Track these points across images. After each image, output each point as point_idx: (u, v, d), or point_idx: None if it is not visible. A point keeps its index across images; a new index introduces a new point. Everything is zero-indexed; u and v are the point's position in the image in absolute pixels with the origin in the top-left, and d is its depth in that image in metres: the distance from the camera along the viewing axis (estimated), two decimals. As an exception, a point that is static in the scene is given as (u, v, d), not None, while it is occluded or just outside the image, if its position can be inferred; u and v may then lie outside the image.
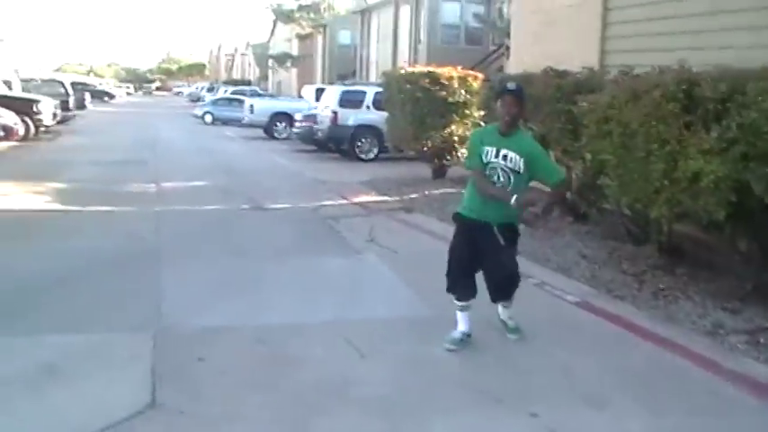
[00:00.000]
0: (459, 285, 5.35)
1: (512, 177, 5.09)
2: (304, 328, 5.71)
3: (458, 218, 5.41)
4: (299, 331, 5.63)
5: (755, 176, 5.39)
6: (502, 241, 5.15)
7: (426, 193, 13.11)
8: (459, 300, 5.38)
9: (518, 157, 5.08)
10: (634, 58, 8.80)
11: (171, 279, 7.03)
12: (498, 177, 5.11)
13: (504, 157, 5.09)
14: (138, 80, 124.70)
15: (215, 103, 39.24)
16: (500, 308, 5.54)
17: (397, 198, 12.78)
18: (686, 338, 5.64)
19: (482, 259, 5.26)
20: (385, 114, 16.79)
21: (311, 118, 21.64)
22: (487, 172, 5.13)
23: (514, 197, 4.96)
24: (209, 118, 36.85)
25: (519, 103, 5.13)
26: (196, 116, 39.06)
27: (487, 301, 5.45)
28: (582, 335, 5.78)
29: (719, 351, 5.39)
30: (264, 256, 8.23)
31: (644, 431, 4.14)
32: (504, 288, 5.36)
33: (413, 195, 12.91)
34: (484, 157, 5.14)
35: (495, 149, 5.11)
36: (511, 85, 5.24)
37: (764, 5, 7.45)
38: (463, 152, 12.33)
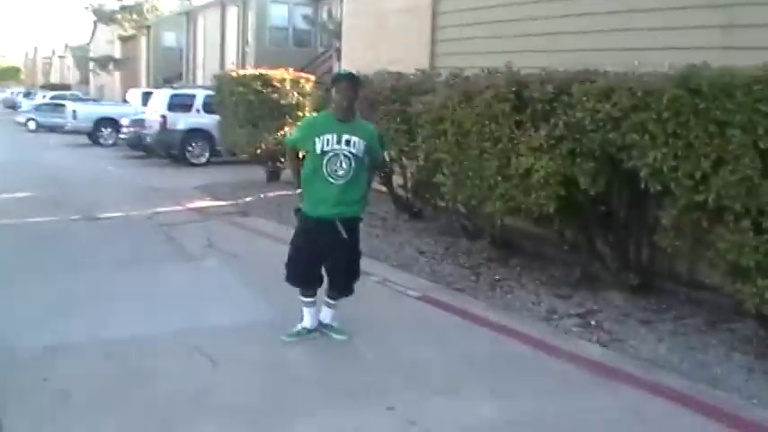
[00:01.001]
0: (303, 277, 5.34)
1: (353, 163, 5.09)
2: (151, 340, 5.47)
3: (299, 214, 5.36)
4: (146, 343, 5.39)
5: (582, 171, 5.76)
6: (344, 235, 5.18)
7: (262, 196, 13.04)
8: (304, 295, 5.40)
9: (362, 142, 5.10)
10: (462, 60, 9.16)
11: (2, 298, 6.54)
12: (341, 164, 5.06)
13: (347, 142, 5.06)
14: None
15: (38, 108, 36.14)
16: (324, 310, 5.53)
17: (233, 202, 12.60)
18: (524, 325, 5.95)
19: (325, 253, 5.27)
20: (216, 118, 16.48)
21: (139, 123, 20.84)
22: (327, 160, 5.06)
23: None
24: (32, 125, 34.19)
25: (354, 88, 5.18)
26: (19, 123, 36.37)
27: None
28: (427, 327, 5.93)
29: (556, 334, 5.73)
30: (101, 267, 7.82)
31: (497, 414, 4.31)
32: (345, 282, 5.41)
33: (248, 199, 12.78)
34: (322, 146, 5.05)
35: (335, 135, 5.06)
36: (344, 72, 5.37)
37: (587, 11, 7.94)
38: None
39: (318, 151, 5.06)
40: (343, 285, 5.42)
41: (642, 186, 5.40)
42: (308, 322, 5.45)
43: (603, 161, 5.74)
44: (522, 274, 7.39)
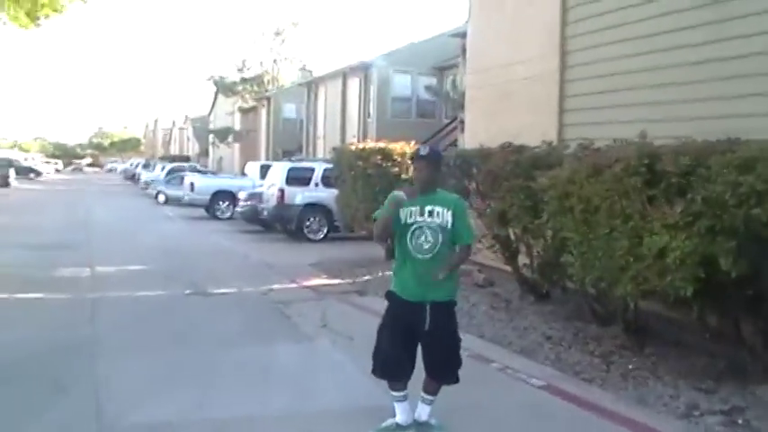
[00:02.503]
0: (390, 368, 5.24)
1: (440, 236, 5.05)
2: (258, 422, 5.64)
3: (391, 296, 5.30)
4: (252, 426, 5.57)
5: (722, 250, 5.60)
6: (432, 324, 5.08)
7: (380, 274, 13.08)
8: (393, 388, 5.28)
9: (445, 210, 5.10)
10: (593, 131, 9.15)
11: (108, 373, 6.89)
12: (426, 238, 5.04)
13: (431, 213, 5.07)
14: (67, 155, 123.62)
15: (168, 182, 36.69)
16: (420, 407, 5.36)
17: (350, 280, 12.81)
18: (660, 421, 5.74)
19: (416, 340, 5.16)
20: (335, 192, 16.92)
21: (256, 196, 21.68)
22: (411, 233, 5.06)
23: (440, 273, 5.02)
24: (162, 198, 35.14)
25: (430, 166, 5.17)
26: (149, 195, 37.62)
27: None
28: (550, 421, 5.83)
29: (695, 434, 5.50)
30: (211, 345, 8.15)
31: None
32: (444, 371, 5.24)
33: (366, 277, 12.95)
34: (405, 218, 5.08)
35: (418, 208, 5.08)
36: (423, 150, 5.33)
37: (725, 76, 7.85)
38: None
39: (402, 222, 5.09)
40: (442, 375, 5.26)
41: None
42: (400, 417, 5.30)
43: (747, 239, 5.57)
44: (658, 364, 7.15)
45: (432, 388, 5.30)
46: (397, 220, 5.10)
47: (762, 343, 6.35)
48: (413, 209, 5.09)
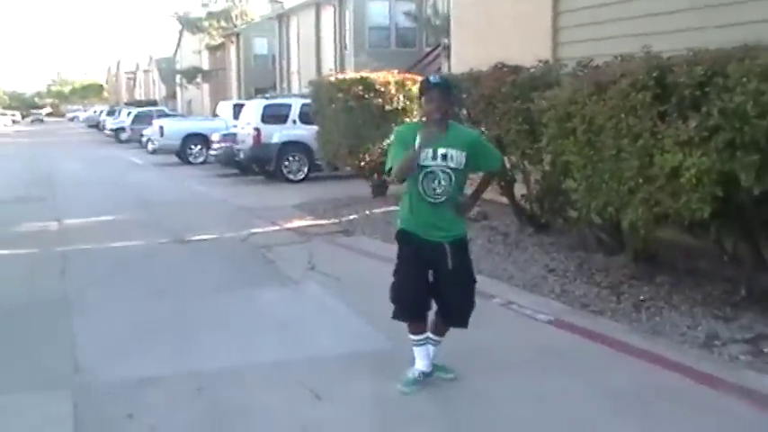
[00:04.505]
0: (416, 308, 5.10)
1: (453, 177, 4.93)
2: (247, 373, 5.51)
3: (402, 235, 5.19)
4: (241, 377, 5.43)
5: (743, 166, 5.41)
6: (453, 262, 4.98)
7: (367, 213, 13.05)
8: (413, 332, 5.17)
9: (460, 152, 4.93)
10: (590, 48, 8.93)
11: (86, 327, 6.76)
12: (439, 182, 4.91)
13: (444, 156, 4.91)
14: (25, 106, 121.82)
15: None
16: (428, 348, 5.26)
17: (335, 221, 12.68)
18: (678, 352, 5.64)
19: (435, 281, 5.08)
20: (314, 129, 16.67)
21: (230, 138, 21.41)
22: (423, 177, 4.91)
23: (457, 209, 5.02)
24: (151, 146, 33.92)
25: (448, 96, 5.06)
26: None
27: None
28: (561, 357, 5.72)
29: (719, 364, 5.40)
30: (191, 294, 8.00)
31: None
32: (460, 314, 5.13)
33: (352, 216, 12.83)
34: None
35: (430, 151, 4.89)
36: (435, 78, 5.16)
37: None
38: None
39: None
40: (456, 318, 5.16)
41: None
42: (422, 364, 5.20)
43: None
44: (672, 292, 7.03)
45: (441, 329, 5.22)
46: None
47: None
48: (425, 151, 4.88)
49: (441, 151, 4.90)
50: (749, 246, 6.39)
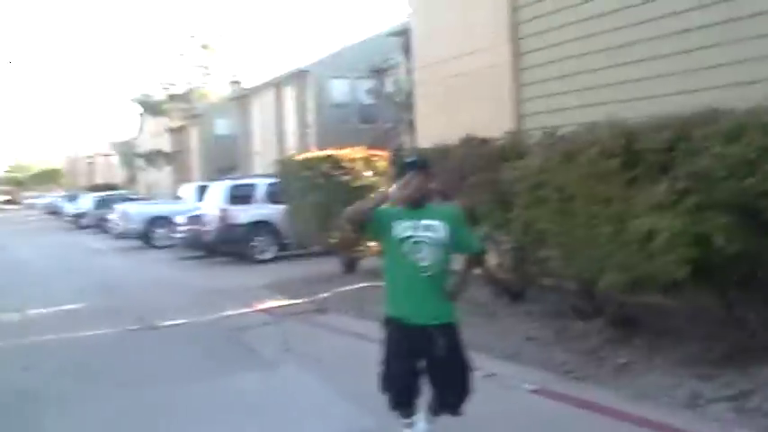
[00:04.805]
0: (407, 398, 5.03)
1: (437, 252, 4.82)
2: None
3: (389, 322, 5.02)
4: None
5: (715, 227, 5.55)
6: (443, 349, 4.86)
7: (340, 290, 13.00)
8: (407, 416, 5.11)
9: (442, 224, 4.84)
10: (554, 118, 9.15)
11: (58, 426, 6.61)
12: (424, 255, 4.77)
13: (427, 227, 4.81)
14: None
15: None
16: (420, 426, 5.17)
17: (308, 299, 12.60)
18: (666, 414, 5.70)
19: (427, 367, 4.96)
20: (281, 208, 16.72)
21: (196, 220, 21.33)
22: (410, 247, 4.78)
23: (449, 292, 4.93)
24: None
25: (428, 177, 4.93)
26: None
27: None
28: (551, 425, 5.76)
29: (705, 423, 5.46)
30: (166, 383, 7.84)
31: None
32: (453, 401, 5.05)
33: (325, 294, 12.76)
34: (401, 231, 4.81)
35: (413, 222, 4.82)
36: (413, 159, 5.13)
37: (689, 48, 7.88)
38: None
39: (399, 237, 4.83)
40: (449, 405, 5.06)
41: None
42: None
43: (740, 213, 5.53)
44: (651, 354, 7.10)
45: (435, 410, 5.12)
46: (387, 231, 4.85)
47: (762, 322, 6.33)
48: (405, 223, 4.83)
49: (424, 222, 4.82)
50: (723, 304, 6.50)
